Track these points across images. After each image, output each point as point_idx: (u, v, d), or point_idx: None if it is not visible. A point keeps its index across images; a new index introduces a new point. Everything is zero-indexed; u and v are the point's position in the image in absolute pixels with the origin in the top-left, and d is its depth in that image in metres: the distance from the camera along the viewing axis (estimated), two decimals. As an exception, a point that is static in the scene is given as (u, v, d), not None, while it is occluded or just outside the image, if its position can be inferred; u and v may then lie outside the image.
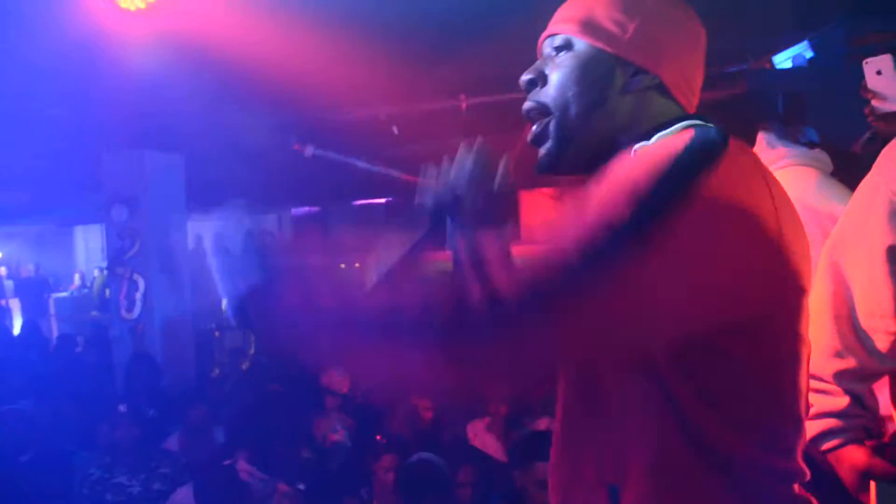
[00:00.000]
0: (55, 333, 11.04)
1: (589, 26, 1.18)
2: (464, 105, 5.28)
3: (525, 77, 1.23)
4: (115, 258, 6.58)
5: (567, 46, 1.20)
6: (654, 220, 0.92)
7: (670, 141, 1.05)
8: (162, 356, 6.35)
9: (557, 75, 1.19)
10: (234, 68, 4.16)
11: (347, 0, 3.67)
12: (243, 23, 3.64)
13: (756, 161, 1.09)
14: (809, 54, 4.61)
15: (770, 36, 4.65)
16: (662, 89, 1.17)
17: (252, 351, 8.83)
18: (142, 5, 3.21)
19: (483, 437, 4.85)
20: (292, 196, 10.77)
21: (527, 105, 1.23)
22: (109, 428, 4.34)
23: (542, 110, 1.20)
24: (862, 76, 2.12)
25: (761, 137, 2.22)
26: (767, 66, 4.84)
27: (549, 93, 1.20)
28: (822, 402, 1.58)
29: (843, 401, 1.58)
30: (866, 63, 2.13)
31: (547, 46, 1.24)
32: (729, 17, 4.18)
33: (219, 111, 5.62)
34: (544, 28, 1.26)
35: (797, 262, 1.04)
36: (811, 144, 2.45)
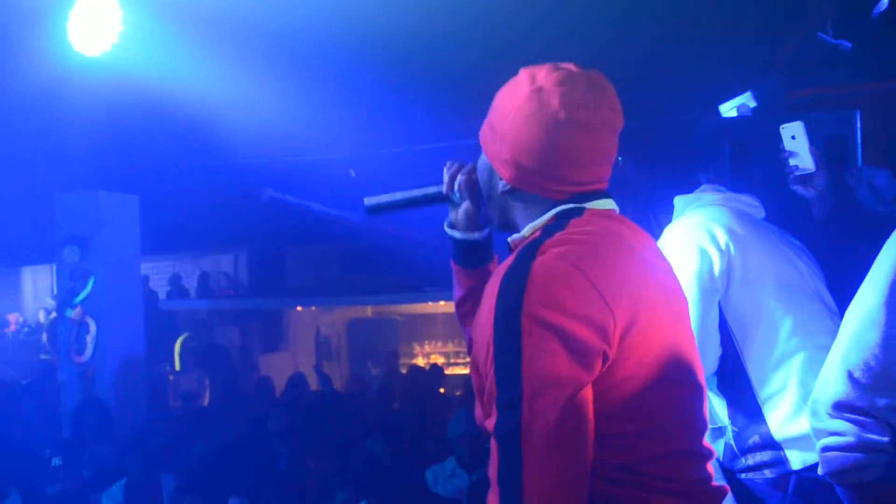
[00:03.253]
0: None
1: (483, 132, 1.44)
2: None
3: None
4: (66, 300, 6.45)
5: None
6: (520, 370, 1.18)
7: (497, 278, 1.28)
8: (113, 400, 6.20)
9: (478, 166, 1.51)
10: (191, 112, 4.18)
11: (305, 47, 3.72)
12: (200, 68, 3.68)
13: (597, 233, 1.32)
14: (753, 104, 4.79)
15: (715, 87, 4.82)
16: (524, 192, 1.38)
17: (207, 394, 8.69)
18: (97, 53, 3.22)
19: (443, 480, 4.83)
20: (249, 238, 10.70)
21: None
22: (47, 483, 4.17)
23: None
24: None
25: (703, 185, 2.32)
26: (714, 115, 5.01)
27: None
28: (860, 433, 1.58)
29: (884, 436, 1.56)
30: (783, 128, 2.28)
31: None
32: (676, 67, 4.35)
33: (176, 153, 5.62)
34: (498, 80, 1.40)
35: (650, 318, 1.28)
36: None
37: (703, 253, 2.10)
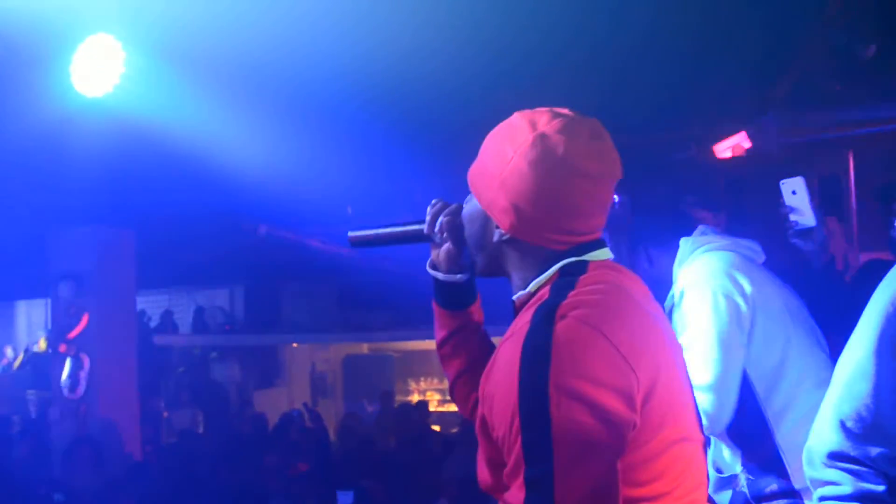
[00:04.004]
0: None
1: (473, 177, 1.40)
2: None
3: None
4: (61, 335, 6.41)
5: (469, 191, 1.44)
6: (550, 438, 1.13)
7: (515, 354, 1.20)
8: (106, 437, 6.14)
9: (466, 211, 1.46)
10: (189, 149, 4.21)
11: (302, 87, 3.77)
12: (199, 108, 3.72)
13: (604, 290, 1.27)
14: (747, 144, 4.86)
15: (710, 126, 4.88)
16: (522, 241, 1.34)
17: (201, 430, 8.62)
18: (99, 95, 3.26)
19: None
20: (244, 273, 10.70)
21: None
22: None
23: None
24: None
25: (701, 228, 2.32)
26: (709, 154, 5.07)
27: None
28: (856, 483, 1.57)
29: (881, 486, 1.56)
30: (783, 183, 2.30)
31: None
32: (672, 108, 4.41)
33: (173, 189, 5.64)
34: (486, 123, 1.40)
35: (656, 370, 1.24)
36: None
37: (732, 304, 2.08)
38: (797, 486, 2.03)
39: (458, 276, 1.53)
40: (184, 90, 3.53)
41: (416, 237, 1.57)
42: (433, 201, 1.54)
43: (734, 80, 4.06)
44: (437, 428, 8.55)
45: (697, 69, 3.86)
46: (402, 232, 1.59)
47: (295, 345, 12.07)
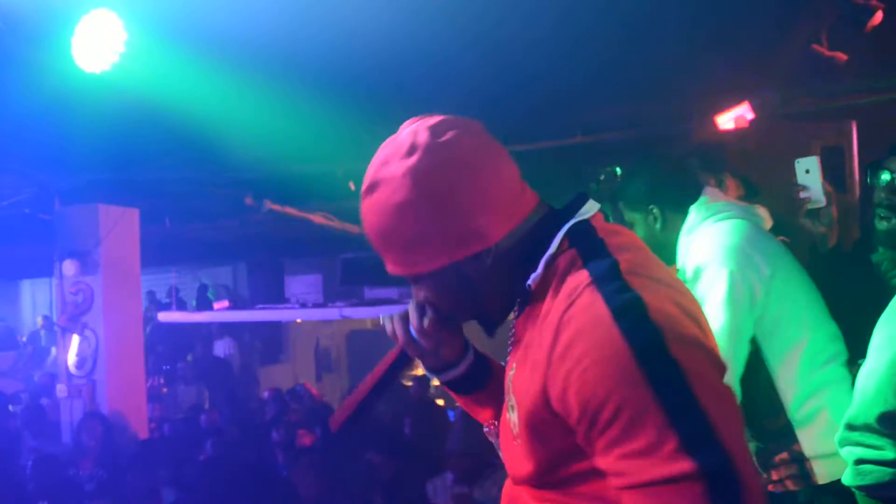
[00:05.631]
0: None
1: (405, 259, 1.24)
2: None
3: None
4: (66, 313, 6.45)
5: (418, 281, 1.29)
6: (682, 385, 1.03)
7: (594, 322, 1.09)
8: (113, 414, 6.20)
9: (429, 295, 1.30)
10: (191, 126, 4.20)
11: (304, 60, 3.75)
12: (200, 83, 3.70)
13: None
14: (750, 115, 4.83)
15: (712, 98, 4.86)
16: (505, 245, 1.21)
17: (206, 406, 8.68)
18: (100, 70, 3.25)
19: (443, 494, 4.83)
20: (247, 250, 10.72)
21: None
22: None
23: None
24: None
25: (707, 192, 2.32)
26: (711, 126, 5.05)
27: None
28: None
29: None
30: (798, 162, 2.29)
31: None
32: (674, 80, 4.38)
33: (175, 166, 5.64)
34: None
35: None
36: (749, 200, 2.57)
37: (748, 291, 2.07)
38: (808, 453, 2.06)
39: (462, 364, 1.43)
40: (185, 65, 3.51)
41: (401, 364, 1.43)
42: (384, 321, 1.41)
43: (737, 50, 4.04)
44: (440, 402, 8.59)
45: (700, 38, 3.84)
46: (384, 375, 1.43)
47: (299, 321, 12.11)
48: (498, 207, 1.19)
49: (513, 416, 1.24)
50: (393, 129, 1.29)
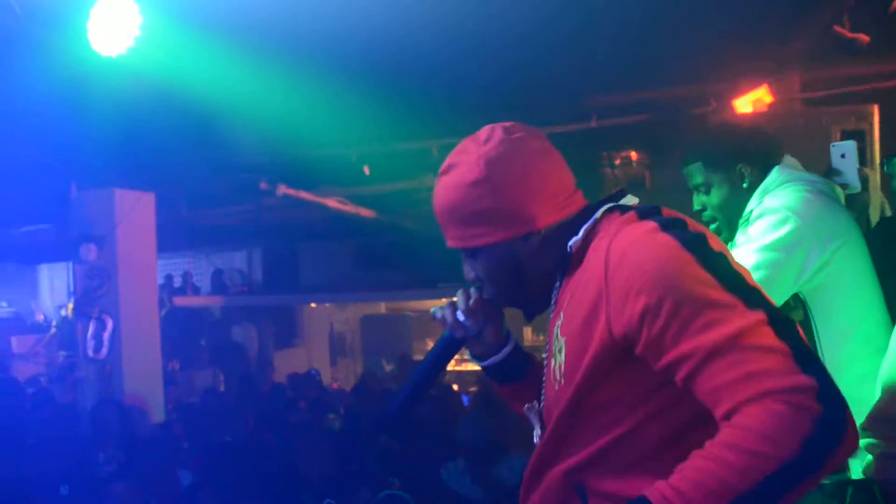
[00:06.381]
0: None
1: (464, 234, 1.41)
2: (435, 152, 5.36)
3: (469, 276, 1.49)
4: (83, 297, 6.49)
5: (473, 255, 1.44)
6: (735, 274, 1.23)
7: (651, 252, 1.23)
8: (130, 397, 6.25)
9: (478, 273, 1.46)
10: (206, 110, 4.21)
11: (320, 43, 3.74)
12: (215, 67, 3.70)
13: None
14: (769, 98, 4.77)
15: (730, 81, 4.80)
16: (551, 227, 1.38)
17: (222, 389, 8.74)
18: (115, 54, 3.25)
19: (457, 478, 4.84)
20: (262, 234, 10.74)
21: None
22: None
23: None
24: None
25: (787, 160, 2.26)
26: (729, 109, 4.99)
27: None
28: None
29: None
30: (833, 146, 2.26)
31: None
32: (691, 63, 4.34)
33: (191, 150, 5.65)
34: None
35: None
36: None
37: (806, 239, 2.02)
38: None
39: (506, 349, 1.56)
40: (200, 49, 3.51)
41: (451, 348, 1.55)
42: (435, 311, 1.55)
43: (756, 32, 3.98)
44: (455, 387, 8.61)
45: (719, 20, 3.79)
46: (434, 359, 1.55)
47: (313, 305, 12.15)
48: (549, 199, 1.37)
49: (559, 359, 1.35)
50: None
